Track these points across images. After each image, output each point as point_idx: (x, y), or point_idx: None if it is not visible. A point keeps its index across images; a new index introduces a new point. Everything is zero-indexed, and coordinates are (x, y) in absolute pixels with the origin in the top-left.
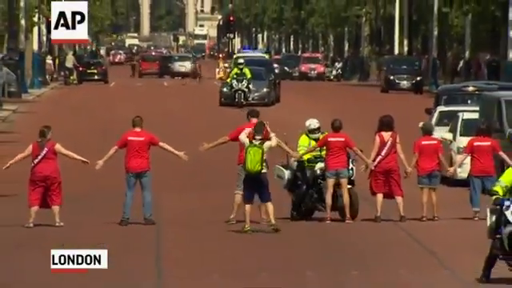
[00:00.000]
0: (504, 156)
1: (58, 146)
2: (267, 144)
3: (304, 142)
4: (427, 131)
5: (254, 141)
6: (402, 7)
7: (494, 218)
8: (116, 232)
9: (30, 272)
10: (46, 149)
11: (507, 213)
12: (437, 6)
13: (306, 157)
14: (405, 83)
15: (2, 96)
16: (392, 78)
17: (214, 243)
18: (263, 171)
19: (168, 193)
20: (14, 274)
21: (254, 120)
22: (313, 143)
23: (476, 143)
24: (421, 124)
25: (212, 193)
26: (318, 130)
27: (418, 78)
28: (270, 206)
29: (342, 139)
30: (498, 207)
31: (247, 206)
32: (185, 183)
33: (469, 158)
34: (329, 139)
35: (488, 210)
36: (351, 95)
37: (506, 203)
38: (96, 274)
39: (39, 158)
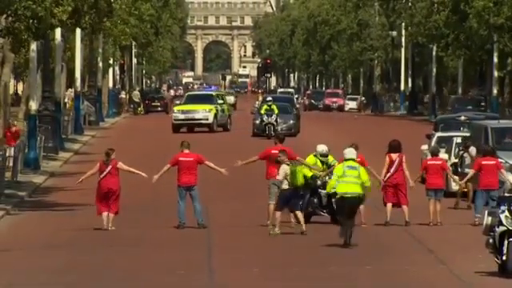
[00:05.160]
0: (504, 173)
1: (120, 164)
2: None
3: (311, 160)
4: (433, 153)
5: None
6: (406, 52)
7: (490, 219)
8: (175, 233)
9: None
10: (110, 166)
11: (502, 216)
12: (435, 51)
13: (311, 173)
14: None
15: (84, 124)
16: None
17: (252, 242)
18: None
19: (213, 202)
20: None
21: (280, 144)
22: (318, 163)
23: (483, 162)
24: (423, 147)
25: (249, 201)
26: (326, 155)
27: None
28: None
29: (358, 159)
30: (495, 210)
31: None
32: (226, 194)
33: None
34: None
35: (486, 212)
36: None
37: (502, 208)
38: (161, 264)
39: (104, 173)
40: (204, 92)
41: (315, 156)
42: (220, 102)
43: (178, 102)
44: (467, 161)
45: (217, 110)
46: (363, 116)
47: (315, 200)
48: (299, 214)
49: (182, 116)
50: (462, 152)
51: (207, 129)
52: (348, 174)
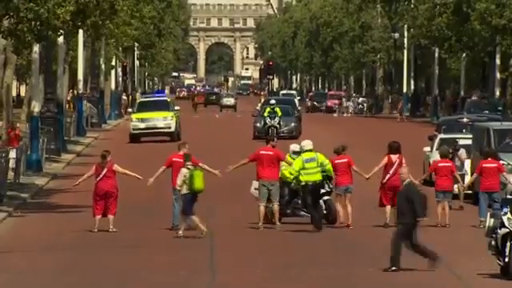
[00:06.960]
0: (506, 175)
1: (115, 166)
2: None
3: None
4: (443, 155)
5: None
6: (409, 54)
7: (492, 221)
8: (171, 235)
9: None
10: (105, 169)
11: (504, 218)
12: (437, 53)
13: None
14: None
15: (86, 126)
16: None
17: (254, 243)
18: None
19: (214, 203)
20: (101, 270)
21: (270, 145)
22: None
23: (485, 165)
24: (425, 149)
25: (249, 202)
26: (299, 153)
27: None
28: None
29: (345, 160)
30: (497, 212)
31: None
32: (227, 195)
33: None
34: (335, 161)
35: (488, 214)
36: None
37: (505, 210)
38: (163, 265)
39: (100, 176)
40: (158, 98)
41: (291, 156)
42: (176, 108)
43: (130, 109)
44: (457, 163)
45: (176, 117)
46: (367, 118)
47: (299, 201)
48: (196, 218)
49: (142, 125)
50: (452, 154)
51: (168, 138)
52: (308, 167)
